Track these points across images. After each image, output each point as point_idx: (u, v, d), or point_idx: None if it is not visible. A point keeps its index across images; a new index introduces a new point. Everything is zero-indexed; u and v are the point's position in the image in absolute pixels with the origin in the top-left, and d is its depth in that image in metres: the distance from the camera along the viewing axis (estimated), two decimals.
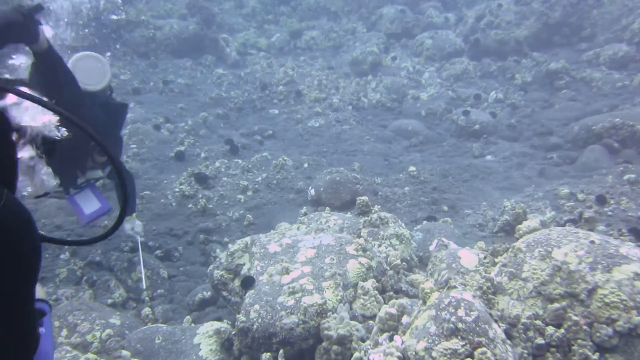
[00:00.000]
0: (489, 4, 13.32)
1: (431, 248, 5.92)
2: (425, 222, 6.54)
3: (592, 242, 3.76)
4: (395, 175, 8.11)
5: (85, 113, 4.99)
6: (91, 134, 1.74)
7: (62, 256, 6.29)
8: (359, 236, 5.15)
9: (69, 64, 5.05)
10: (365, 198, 6.21)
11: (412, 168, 8.05)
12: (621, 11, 12.16)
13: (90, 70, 5.32)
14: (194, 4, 15.35)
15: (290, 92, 11.93)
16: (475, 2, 15.37)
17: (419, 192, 7.52)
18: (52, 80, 4.51)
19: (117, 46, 13.65)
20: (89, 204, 5.36)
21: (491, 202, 7.13)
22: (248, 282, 4.48)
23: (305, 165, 8.63)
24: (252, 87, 12.34)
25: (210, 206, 7.46)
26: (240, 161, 8.54)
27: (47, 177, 1.86)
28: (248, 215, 7.16)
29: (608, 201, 6.53)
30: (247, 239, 5.32)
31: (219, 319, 5.04)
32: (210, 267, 5.23)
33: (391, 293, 4.63)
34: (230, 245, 5.44)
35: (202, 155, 9.15)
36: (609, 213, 6.34)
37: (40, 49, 4.34)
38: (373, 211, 6.15)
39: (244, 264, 5.08)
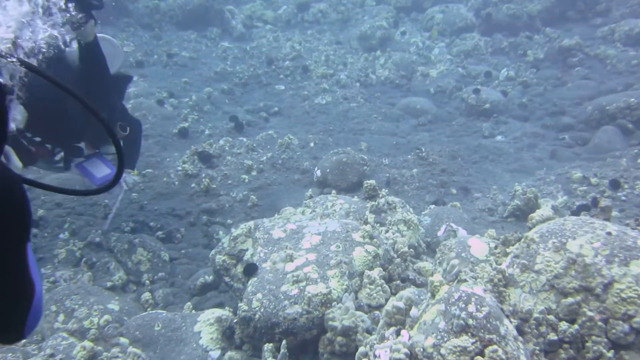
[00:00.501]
0: None
1: (439, 234, 5.79)
2: (433, 206, 6.38)
3: (609, 233, 3.60)
4: (403, 156, 7.92)
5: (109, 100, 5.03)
6: (81, 98, 1.71)
7: (61, 236, 6.20)
8: (366, 222, 5.00)
9: None
10: (372, 182, 6.05)
11: (420, 150, 7.85)
12: None
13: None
14: None
15: (297, 68, 11.69)
16: None
17: (427, 174, 7.35)
18: (94, 72, 4.91)
19: (111, 18, 13.38)
20: (99, 170, 5.29)
21: (501, 185, 6.95)
22: (251, 270, 4.36)
23: (312, 144, 8.45)
24: (258, 61, 12.09)
25: (214, 186, 7.32)
26: (244, 139, 8.37)
27: None
28: (252, 196, 7.01)
29: (622, 185, 6.34)
30: (251, 223, 5.18)
31: (221, 305, 4.93)
32: (213, 251, 5.11)
33: (398, 282, 4.50)
34: (233, 229, 5.31)
35: (206, 132, 8.97)
36: (623, 198, 6.16)
37: (86, 40, 4.73)
38: (380, 195, 6.01)
39: (247, 250, 4.96)
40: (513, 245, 4.24)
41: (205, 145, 8.18)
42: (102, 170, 5.28)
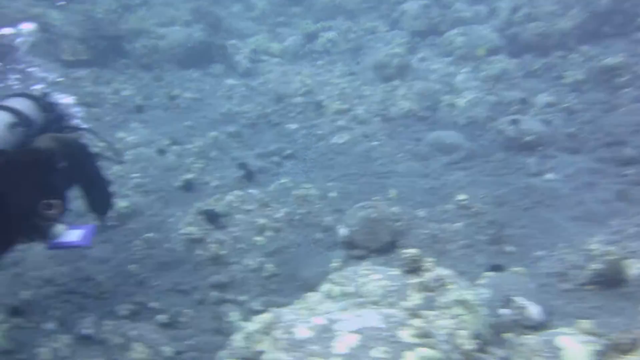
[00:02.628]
0: None
1: (503, 312, 4.68)
2: (489, 272, 5.25)
3: None
4: (441, 206, 6.80)
5: None
6: None
7: (48, 326, 5.19)
8: (416, 314, 3.89)
9: None
10: (413, 251, 4.92)
11: (461, 196, 6.73)
12: None
13: None
14: (199, 8, 14.18)
15: (309, 104, 10.68)
16: None
17: (473, 227, 6.22)
18: None
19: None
20: (73, 234, 4.35)
21: (567, 237, 5.80)
22: None
23: (332, 194, 7.38)
24: (266, 99, 11.11)
25: (223, 252, 6.25)
26: (256, 192, 7.30)
27: None
28: (268, 264, 5.94)
29: None
30: (268, 315, 4.07)
31: None
32: (221, 353, 4.03)
33: None
34: (244, 324, 4.22)
35: (213, 183, 7.96)
36: None
37: None
38: (425, 267, 4.89)
39: (263, 352, 3.87)
40: (630, 351, 3.10)
41: (211, 201, 7.14)
42: (75, 233, 4.32)
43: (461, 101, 9.93)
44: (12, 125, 4.02)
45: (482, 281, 5.10)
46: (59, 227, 4.10)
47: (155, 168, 8.35)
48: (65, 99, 5.16)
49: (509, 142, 8.39)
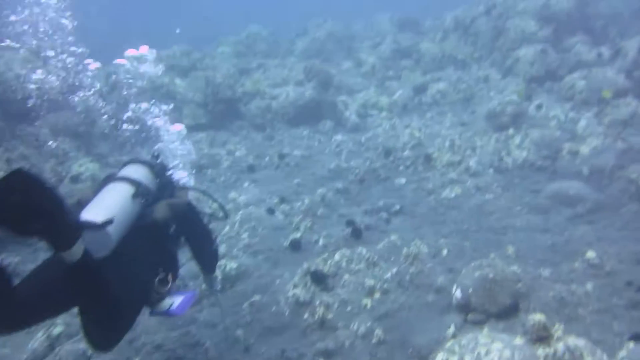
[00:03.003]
0: None
1: None
2: (632, 343, 4.57)
3: None
4: (567, 264, 6.16)
5: None
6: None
7: None
8: None
9: None
10: (540, 317, 4.43)
11: (590, 254, 6.06)
12: None
13: None
14: (311, 68, 14.55)
15: (418, 157, 10.40)
16: (630, 31, 13.01)
17: (607, 289, 5.53)
18: None
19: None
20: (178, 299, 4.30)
21: None
22: None
23: (444, 252, 6.97)
24: (375, 153, 10.99)
25: (330, 316, 6.02)
26: (364, 251, 7.06)
27: None
28: (377, 330, 5.61)
29: None
30: None
31: None
32: None
33: None
34: None
35: (320, 242, 7.84)
36: None
37: None
38: (555, 337, 4.36)
39: None
40: None
41: (318, 261, 7.00)
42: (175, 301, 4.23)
43: (585, 148, 9.16)
44: (133, 197, 4.03)
45: (623, 352, 4.44)
46: (167, 301, 4.08)
47: (264, 228, 8.39)
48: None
49: None
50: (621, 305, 5.33)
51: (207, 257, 5.15)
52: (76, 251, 2.91)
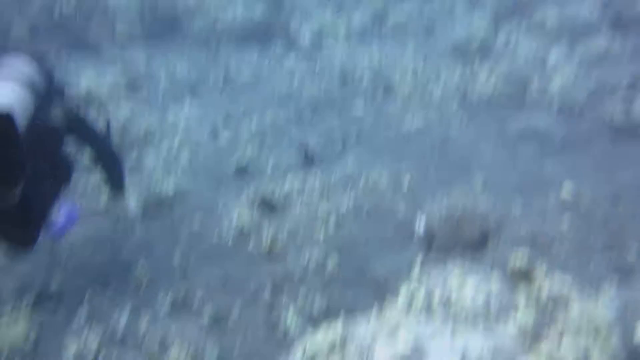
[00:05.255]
0: None
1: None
2: (612, 284, 4.12)
3: None
4: (539, 201, 5.66)
5: None
6: None
7: (78, 317, 4.50)
8: (536, 337, 2.86)
9: None
10: (520, 255, 3.87)
11: (563, 192, 5.56)
12: None
13: None
14: None
15: (378, 86, 9.66)
16: None
17: (583, 229, 5.07)
18: None
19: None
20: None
21: None
22: None
23: (405, 184, 6.36)
24: (330, 81, 10.16)
25: (278, 246, 5.39)
26: (317, 180, 6.38)
27: None
28: (330, 260, 5.01)
29: None
30: (336, 330, 3.16)
31: None
32: None
33: None
34: (302, 348, 3.27)
35: (269, 169, 7.09)
36: None
37: None
38: (535, 275, 3.81)
39: None
40: None
41: (267, 188, 6.29)
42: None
43: (554, 84, 8.66)
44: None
45: (604, 296, 4.00)
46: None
47: (207, 151, 7.63)
48: None
49: (617, 129, 7.12)
50: (599, 245, 4.90)
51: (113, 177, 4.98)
52: None
